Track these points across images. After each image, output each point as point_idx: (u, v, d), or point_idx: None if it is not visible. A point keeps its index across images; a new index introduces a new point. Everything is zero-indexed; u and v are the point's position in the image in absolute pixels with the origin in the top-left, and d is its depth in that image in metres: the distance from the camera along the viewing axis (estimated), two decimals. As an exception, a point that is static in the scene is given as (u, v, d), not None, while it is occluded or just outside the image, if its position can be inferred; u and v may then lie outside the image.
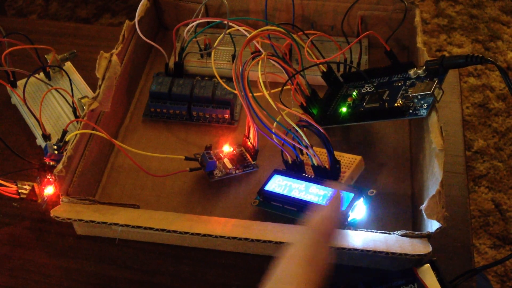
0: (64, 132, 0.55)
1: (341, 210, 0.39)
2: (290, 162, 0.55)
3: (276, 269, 0.33)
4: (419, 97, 0.52)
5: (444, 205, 0.45)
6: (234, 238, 0.45)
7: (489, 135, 1.42)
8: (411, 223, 0.53)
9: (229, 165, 0.57)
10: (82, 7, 1.87)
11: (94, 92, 0.63)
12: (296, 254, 0.34)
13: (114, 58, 0.56)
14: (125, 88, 0.62)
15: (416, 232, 0.46)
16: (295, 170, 0.55)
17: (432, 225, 0.45)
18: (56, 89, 0.60)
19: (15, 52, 0.61)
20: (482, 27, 1.71)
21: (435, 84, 0.51)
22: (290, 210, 0.52)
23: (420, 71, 0.55)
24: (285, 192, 0.52)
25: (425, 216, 0.45)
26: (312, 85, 0.59)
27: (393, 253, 0.43)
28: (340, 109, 0.58)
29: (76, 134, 0.50)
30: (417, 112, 0.52)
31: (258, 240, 0.45)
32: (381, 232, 0.47)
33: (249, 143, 0.57)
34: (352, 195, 0.49)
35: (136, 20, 0.61)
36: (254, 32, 0.54)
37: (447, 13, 1.76)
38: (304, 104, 0.58)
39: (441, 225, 0.44)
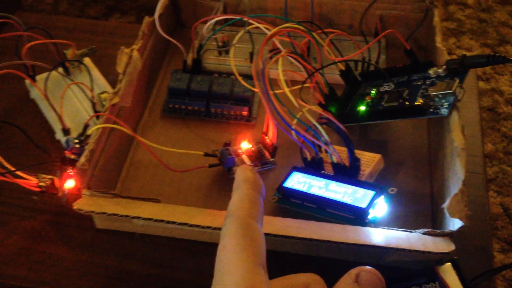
0: (86, 126, 0.55)
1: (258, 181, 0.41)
2: (309, 159, 0.55)
3: (215, 264, 0.34)
4: (440, 96, 0.52)
5: (467, 203, 0.45)
6: (256, 233, 0.45)
7: (497, 139, 1.42)
8: (430, 222, 0.53)
9: (247, 162, 0.57)
10: (92, 6, 1.88)
11: (112, 88, 0.63)
12: (227, 243, 0.34)
13: (135, 53, 0.57)
14: (144, 84, 0.62)
15: (438, 231, 0.46)
16: (314, 167, 0.55)
17: (454, 224, 0.45)
18: (76, 84, 0.60)
19: (33, 47, 0.61)
20: (491, 31, 1.71)
21: (456, 83, 0.51)
22: (310, 207, 0.52)
23: (440, 70, 0.55)
24: (304, 189, 0.52)
25: (447, 214, 0.45)
26: (330, 84, 0.59)
27: (416, 251, 0.43)
28: (358, 108, 0.58)
29: (98, 128, 0.50)
30: (438, 111, 0.52)
31: (280, 236, 0.45)
32: (403, 230, 0.47)
33: (267, 140, 0.57)
34: (373, 192, 0.49)
35: (156, 16, 0.62)
36: (274, 29, 0.54)
37: (456, 17, 1.76)
38: (323, 102, 0.58)
39: (463, 224, 0.44)
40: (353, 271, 0.34)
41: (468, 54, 1.68)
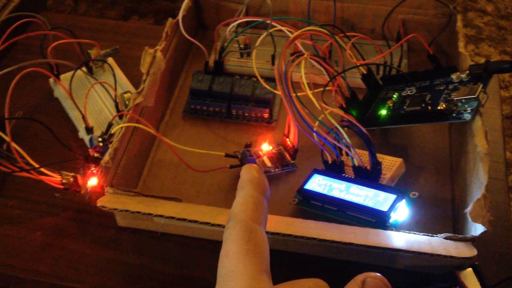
0: (110, 125, 0.56)
1: (266, 183, 0.39)
2: (330, 162, 0.55)
3: (218, 269, 0.33)
4: (463, 101, 0.52)
5: (489, 209, 0.45)
6: (277, 234, 0.45)
7: (516, 147, 1.40)
8: (451, 227, 0.53)
9: (268, 164, 0.57)
10: (111, 8, 1.90)
11: (135, 88, 0.64)
12: (230, 248, 0.33)
13: (159, 54, 0.57)
14: (166, 85, 0.63)
15: (460, 236, 0.46)
16: (334, 170, 0.55)
17: (476, 229, 0.45)
18: (101, 83, 0.61)
19: (57, 46, 0.62)
20: (510, 39, 1.69)
21: (480, 88, 0.51)
22: (330, 210, 0.52)
23: (463, 75, 0.55)
24: (325, 192, 0.52)
25: (469, 219, 0.45)
26: (351, 87, 0.59)
27: (438, 255, 0.43)
28: (380, 112, 0.58)
29: (122, 127, 0.51)
30: (460, 116, 0.52)
31: (301, 237, 0.45)
32: (424, 234, 0.47)
33: (288, 142, 0.57)
34: (394, 196, 0.49)
35: (180, 18, 0.62)
36: (297, 32, 0.54)
37: (475, 24, 1.75)
38: (344, 105, 0.58)
39: (486, 229, 0.44)
40: (359, 277, 0.33)
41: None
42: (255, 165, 0.41)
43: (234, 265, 0.32)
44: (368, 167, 0.53)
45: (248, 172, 0.39)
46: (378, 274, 0.34)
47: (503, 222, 0.54)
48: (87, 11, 1.89)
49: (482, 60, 1.63)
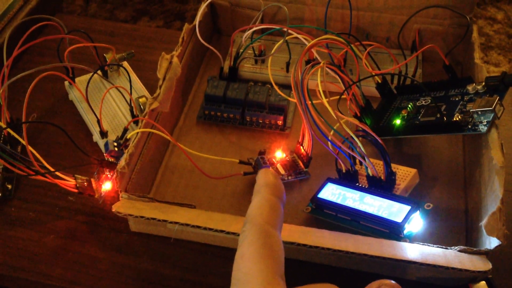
0: (125, 130, 0.56)
1: (283, 190, 0.40)
2: (343, 171, 0.55)
3: (233, 272, 0.33)
4: (479, 112, 0.52)
5: (505, 222, 0.44)
6: (292, 243, 0.45)
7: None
8: (464, 239, 0.52)
9: (281, 171, 0.57)
10: (121, 9, 1.90)
11: (149, 92, 0.64)
12: (246, 252, 0.33)
13: (175, 59, 0.57)
14: (181, 90, 0.63)
15: (475, 249, 0.45)
16: (348, 179, 0.55)
17: (491, 242, 0.45)
18: (116, 88, 0.61)
19: (72, 49, 0.62)
20: (520, 47, 1.69)
21: (496, 100, 0.51)
22: (344, 219, 0.52)
23: (479, 87, 0.54)
24: (338, 201, 0.52)
25: (483, 232, 0.45)
26: (365, 96, 0.59)
27: (453, 268, 0.43)
28: (394, 121, 0.58)
29: (138, 132, 0.51)
30: (476, 127, 0.52)
31: (316, 247, 0.45)
32: (438, 247, 0.47)
33: (302, 150, 0.57)
34: (409, 207, 0.49)
35: (197, 23, 0.62)
36: (314, 40, 0.54)
37: (484, 32, 1.75)
38: (358, 114, 0.58)
39: (500, 243, 0.44)
40: (374, 285, 0.34)
41: (495, 69, 1.65)
42: (271, 169, 0.41)
43: (249, 268, 0.32)
44: (382, 177, 0.52)
45: (264, 176, 0.39)
46: (392, 281, 0.34)
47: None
48: (97, 11, 1.90)
49: (491, 68, 1.63)
